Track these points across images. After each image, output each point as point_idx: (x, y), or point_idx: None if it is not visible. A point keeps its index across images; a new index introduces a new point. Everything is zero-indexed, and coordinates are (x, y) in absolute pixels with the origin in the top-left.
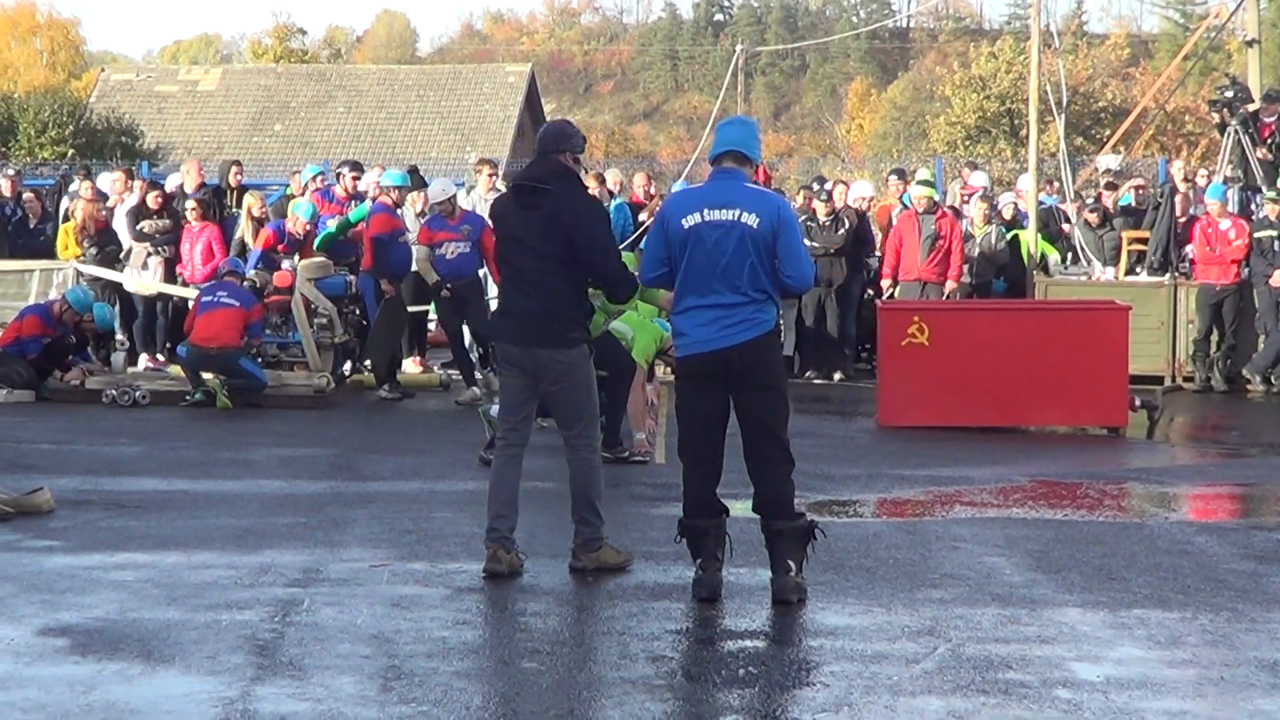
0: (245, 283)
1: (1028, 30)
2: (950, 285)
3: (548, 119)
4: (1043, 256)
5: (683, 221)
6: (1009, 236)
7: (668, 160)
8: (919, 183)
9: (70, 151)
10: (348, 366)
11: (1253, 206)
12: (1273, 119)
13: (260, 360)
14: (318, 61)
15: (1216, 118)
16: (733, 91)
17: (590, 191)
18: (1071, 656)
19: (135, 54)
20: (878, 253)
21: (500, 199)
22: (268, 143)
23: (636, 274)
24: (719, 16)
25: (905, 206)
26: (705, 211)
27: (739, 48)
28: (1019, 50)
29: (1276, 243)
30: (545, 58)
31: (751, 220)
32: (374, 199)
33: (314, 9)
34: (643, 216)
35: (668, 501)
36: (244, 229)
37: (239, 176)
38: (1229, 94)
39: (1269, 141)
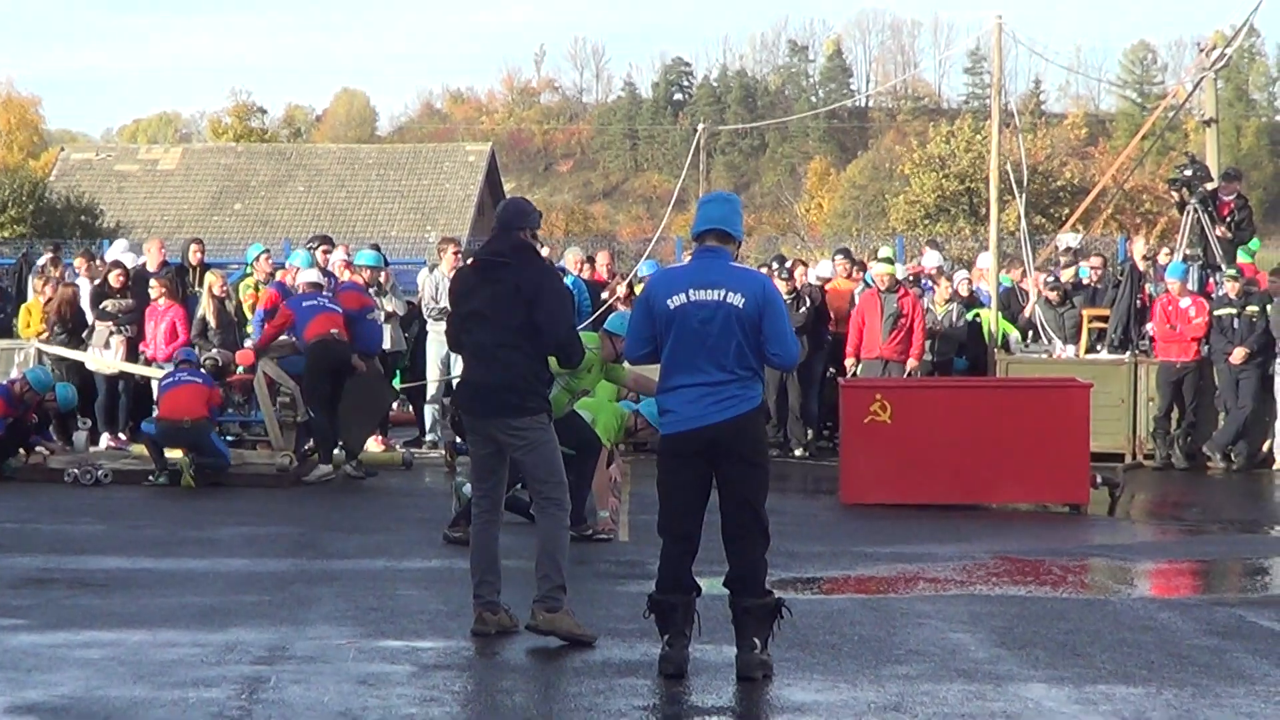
0: (208, 360)
1: (986, 110)
2: (912, 363)
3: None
4: (1003, 335)
5: (668, 301)
6: (970, 315)
7: (627, 239)
8: (880, 260)
9: (28, 233)
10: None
11: (1212, 284)
12: (1231, 197)
13: (225, 438)
14: (277, 140)
15: (1176, 196)
16: (694, 170)
17: (548, 263)
18: None
19: (95, 133)
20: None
21: (461, 275)
22: (227, 222)
23: (591, 350)
24: (678, 96)
25: (867, 285)
26: (691, 291)
27: (700, 126)
28: (978, 129)
29: (1236, 320)
30: (505, 137)
31: (737, 300)
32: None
33: (273, 88)
34: (604, 295)
35: (633, 579)
36: (205, 307)
37: (200, 255)
38: (1188, 172)
39: (1228, 220)
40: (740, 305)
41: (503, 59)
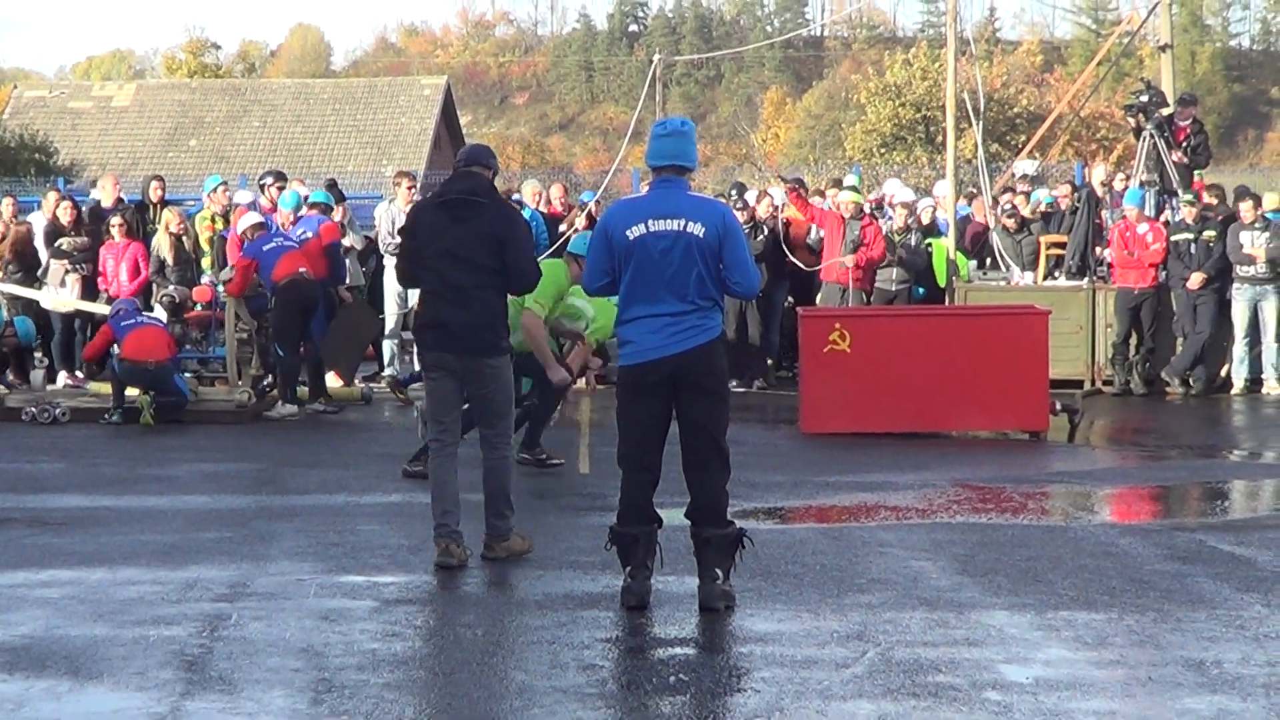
0: (165, 298)
1: (942, 37)
2: (850, 259)
3: (464, 131)
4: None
5: (628, 233)
6: (927, 244)
7: (584, 171)
8: (846, 188)
9: None
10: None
11: (1167, 210)
12: (1187, 122)
13: (184, 374)
14: (232, 76)
15: (1132, 122)
16: (650, 102)
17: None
18: (1000, 659)
19: (48, 71)
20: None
21: (426, 211)
22: (183, 158)
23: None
24: (633, 27)
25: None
26: (650, 222)
27: (656, 57)
28: (934, 58)
29: (1193, 246)
30: (460, 70)
31: (697, 229)
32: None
33: (228, 23)
34: (561, 228)
35: (594, 511)
36: (162, 244)
37: (160, 192)
38: (1144, 98)
39: (1184, 145)
40: (700, 234)
41: None
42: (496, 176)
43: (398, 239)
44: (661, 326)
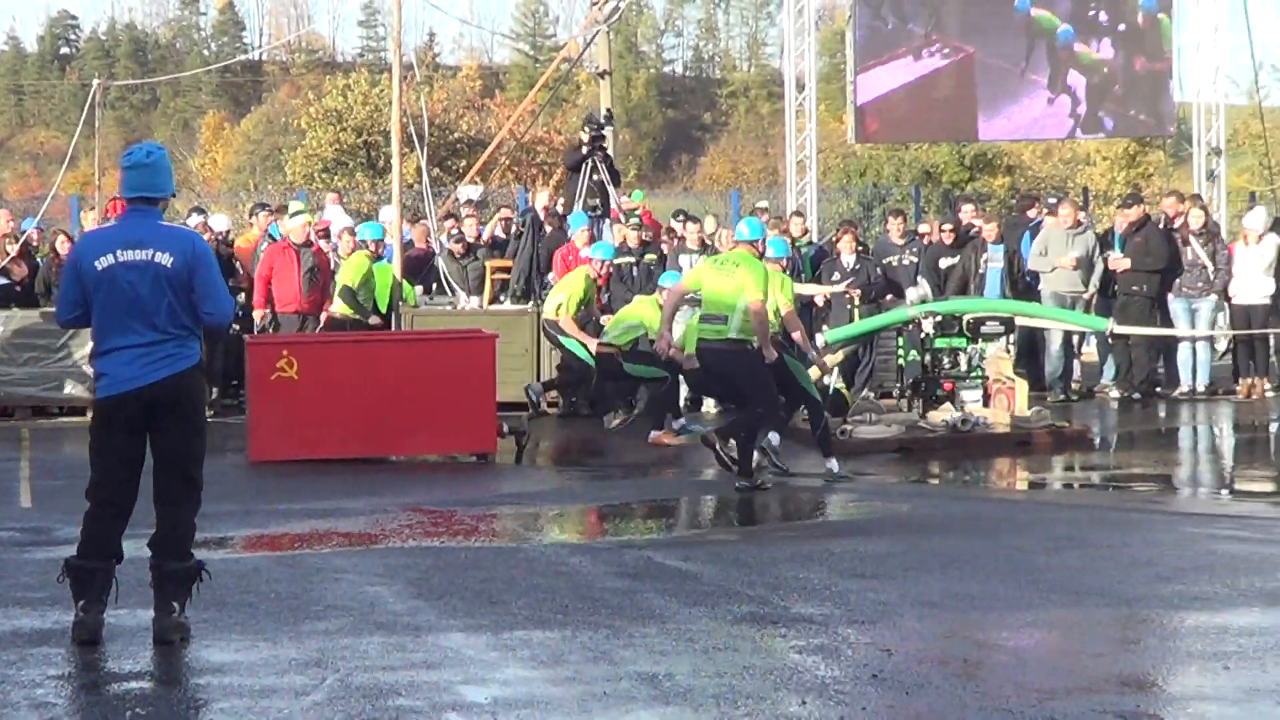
0: None
1: (381, 63)
2: (325, 316)
3: None
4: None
5: (96, 263)
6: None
7: (15, 198)
8: (295, 214)
9: None
10: None
11: (600, 230)
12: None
13: None
14: None
15: (585, 150)
16: (87, 127)
17: None
18: (458, 680)
19: None
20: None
21: None
22: None
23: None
24: (65, 49)
25: (271, 238)
26: (119, 252)
27: (96, 82)
28: (374, 83)
29: (635, 269)
30: None
31: (165, 260)
32: None
33: None
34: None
35: (39, 545)
36: None
37: None
38: (599, 126)
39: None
40: (169, 264)
41: None
42: None
43: None
44: (136, 357)
